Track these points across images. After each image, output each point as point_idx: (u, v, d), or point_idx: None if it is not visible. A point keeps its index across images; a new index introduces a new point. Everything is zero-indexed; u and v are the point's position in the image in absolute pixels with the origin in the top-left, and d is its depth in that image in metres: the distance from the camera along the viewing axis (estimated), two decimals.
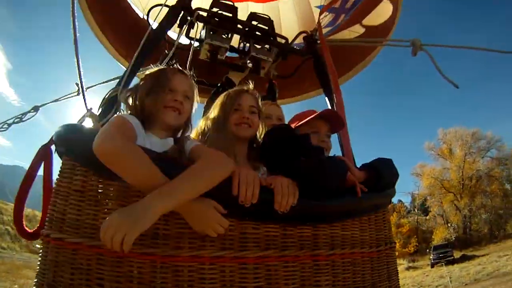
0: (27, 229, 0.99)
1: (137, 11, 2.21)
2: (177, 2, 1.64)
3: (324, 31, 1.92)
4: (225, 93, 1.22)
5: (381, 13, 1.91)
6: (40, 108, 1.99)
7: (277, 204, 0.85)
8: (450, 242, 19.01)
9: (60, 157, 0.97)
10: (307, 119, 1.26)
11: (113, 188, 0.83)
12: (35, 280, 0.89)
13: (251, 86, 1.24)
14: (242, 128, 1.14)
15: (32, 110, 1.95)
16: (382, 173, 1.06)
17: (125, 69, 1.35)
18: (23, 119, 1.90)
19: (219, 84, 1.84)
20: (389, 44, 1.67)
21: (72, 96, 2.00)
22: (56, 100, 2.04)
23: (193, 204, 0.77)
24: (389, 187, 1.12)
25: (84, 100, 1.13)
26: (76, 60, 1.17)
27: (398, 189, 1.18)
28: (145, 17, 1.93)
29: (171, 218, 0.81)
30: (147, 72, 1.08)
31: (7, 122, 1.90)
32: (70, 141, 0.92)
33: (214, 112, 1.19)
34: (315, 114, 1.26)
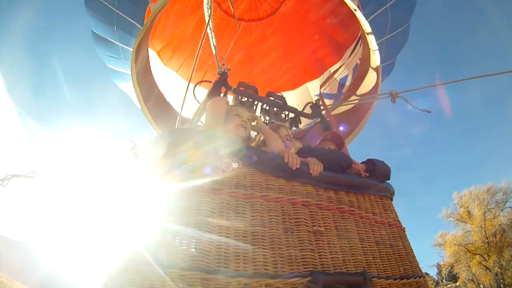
0: None
1: (161, 89, 3.23)
2: (219, 78, 2.56)
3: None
4: (269, 126, 1.91)
5: (369, 82, 2.59)
6: None
7: (311, 169, 1.36)
8: None
9: None
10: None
11: None
12: None
13: (286, 124, 1.97)
14: None
15: None
16: (376, 163, 1.58)
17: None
18: None
19: None
20: (374, 98, 2.42)
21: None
22: None
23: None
24: (384, 176, 1.60)
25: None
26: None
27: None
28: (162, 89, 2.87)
29: (248, 175, 1.30)
30: None
31: None
32: None
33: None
34: (323, 137, 1.91)
